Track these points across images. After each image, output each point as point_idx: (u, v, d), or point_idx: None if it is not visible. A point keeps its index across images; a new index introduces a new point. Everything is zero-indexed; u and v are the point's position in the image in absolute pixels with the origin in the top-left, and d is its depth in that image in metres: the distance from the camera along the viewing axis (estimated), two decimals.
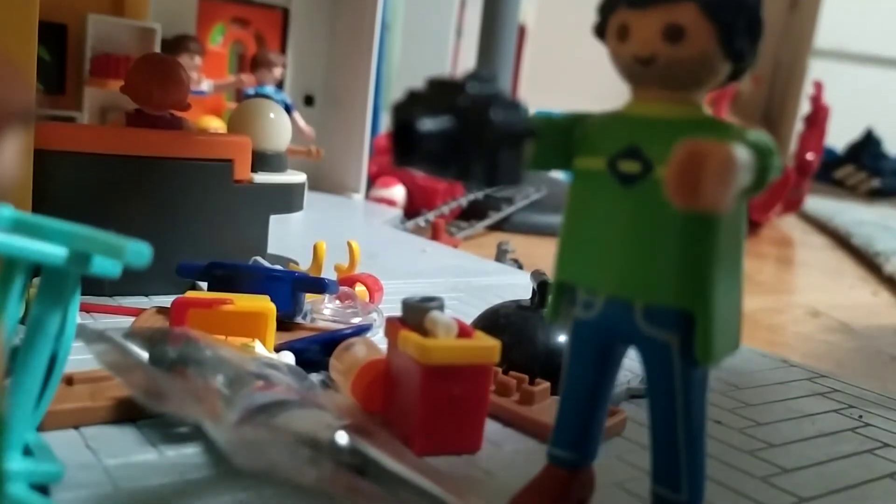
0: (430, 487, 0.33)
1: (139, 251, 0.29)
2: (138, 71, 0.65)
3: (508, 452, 0.43)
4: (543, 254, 1.27)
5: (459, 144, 0.29)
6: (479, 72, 0.30)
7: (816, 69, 2.97)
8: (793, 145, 2.12)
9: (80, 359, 0.41)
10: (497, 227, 1.51)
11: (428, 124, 0.29)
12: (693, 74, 0.31)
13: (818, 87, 1.95)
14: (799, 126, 2.07)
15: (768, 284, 1.37)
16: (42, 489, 0.33)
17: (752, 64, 0.32)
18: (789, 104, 3.14)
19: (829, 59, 3.05)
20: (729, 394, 0.57)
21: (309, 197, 0.80)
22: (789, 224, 2.15)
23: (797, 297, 1.31)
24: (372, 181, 1.44)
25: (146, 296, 0.62)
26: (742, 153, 0.27)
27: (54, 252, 0.30)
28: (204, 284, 0.61)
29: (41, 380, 0.32)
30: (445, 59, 2.15)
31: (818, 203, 2.29)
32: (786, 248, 1.84)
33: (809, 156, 1.87)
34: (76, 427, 0.40)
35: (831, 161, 2.83)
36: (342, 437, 0.35)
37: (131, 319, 0.56)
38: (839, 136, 2.62)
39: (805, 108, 2.05)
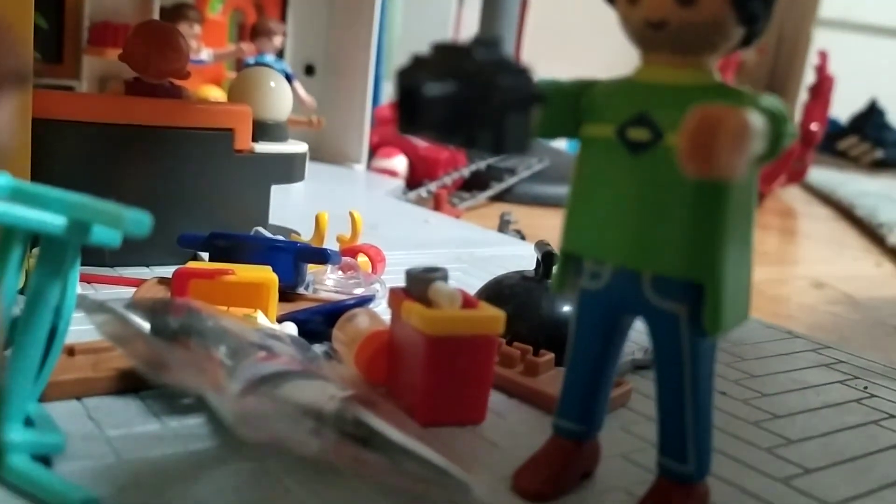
0: (435, 458, 0.33)
1: (139, 220, 0.28)
2: (136, 39, 0.64)
3: (513, 423, 0.43)
4: (546, 224, 1.26)
5: (466, 110, 0.28)
6: (486, 36, 0.30)
7: (821, 39, 2.94)
8: (797, 116, 2.10)
9: (81, 329, 0.40)
10: (499, 197, 1.50)
11: (434, 89, 0.28)
12: (705, 39, 0.31)
13: (823, 57, 1.94)
14: (803, 96, 2.05)
15: (771, 255, 1.36)
16: (44, 460, 0.33)
17: (766, 28, 0.31)
18: (793, 74, 3.11)
19: (833, 29, 3.02)
20: (734, 365, 0.56)
21: (310, 167, 0.79)
22: (792, 195, 2.14)
23: (800, 268, 1.30)
24: (373, 151, 1.43)
25: (147, 266, 0.62)
26: (756, 119, 0.27)
27: (53, 221, 0.30)
28: (205, 255, 0.60)
29: (41, 350, 0.32)
30: (447, 28, 2.13)
31: (822, 174, 2.28)
32: (789, 219, 1.83)
33: (813, 126, 1.85)
34: (78, 398, 0.39)
35: (835, 132, 2.81)
36: (345, 408, 0.34)
37: (132, 290, 0.56)
38: (843, 107, 2.61)
39: (809, 78, 2.03)
